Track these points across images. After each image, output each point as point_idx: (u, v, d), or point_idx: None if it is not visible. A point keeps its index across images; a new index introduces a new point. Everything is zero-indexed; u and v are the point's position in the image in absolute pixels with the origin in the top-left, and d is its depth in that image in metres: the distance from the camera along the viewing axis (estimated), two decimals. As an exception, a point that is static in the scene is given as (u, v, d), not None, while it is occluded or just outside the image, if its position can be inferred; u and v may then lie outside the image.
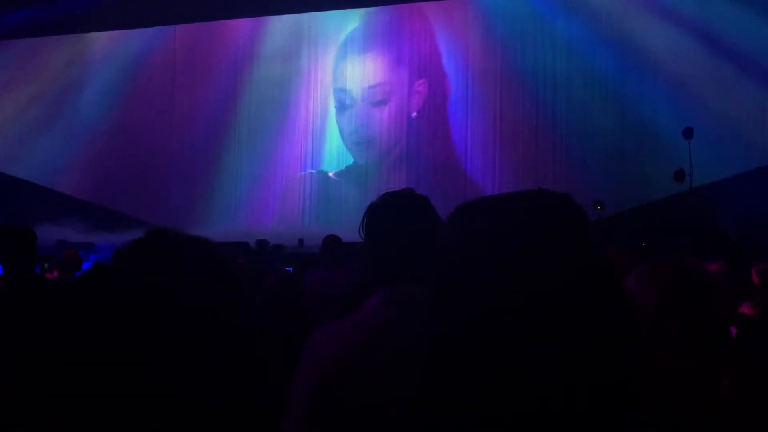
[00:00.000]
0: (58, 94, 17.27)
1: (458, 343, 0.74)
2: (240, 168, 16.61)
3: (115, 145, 16.89)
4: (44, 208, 15.45)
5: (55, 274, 6.66)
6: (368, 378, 1.43)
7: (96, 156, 16.84)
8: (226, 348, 0.87)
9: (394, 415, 1.32)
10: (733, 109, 12.54)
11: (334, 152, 16.21)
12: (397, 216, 1.63)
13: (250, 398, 0.90)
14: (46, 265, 7.18)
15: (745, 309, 4.52)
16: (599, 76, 13.94)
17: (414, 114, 15.52)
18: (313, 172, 16.21)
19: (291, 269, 5.38)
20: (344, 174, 15.84)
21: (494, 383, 0.72)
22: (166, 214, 15.73)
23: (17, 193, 16.12)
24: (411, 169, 15.33)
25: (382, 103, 15.57)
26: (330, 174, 16.08)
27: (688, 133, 11.11)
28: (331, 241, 5.59)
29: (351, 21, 16.16)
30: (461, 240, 0.78)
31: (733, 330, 4.06)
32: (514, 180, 14.67)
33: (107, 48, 17.39)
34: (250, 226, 14.92)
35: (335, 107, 16.13)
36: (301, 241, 12.68)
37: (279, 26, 16.64)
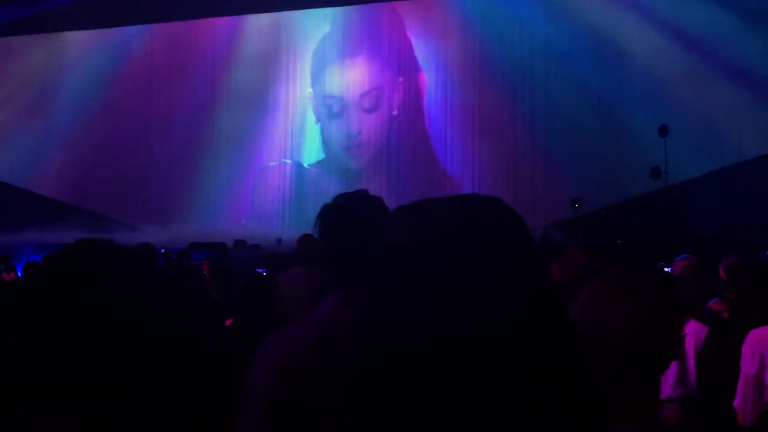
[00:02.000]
0: (35, 94, 17.11)
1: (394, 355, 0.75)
2: (219, 167, 16.52)
3: (93, 145, 16.74)
4: (22, 210, 15.32)
5: (12, 275, 6.61)
6: (320, 378, 1.43)
7: (74, 157, 16.69)
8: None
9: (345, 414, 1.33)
10: (708, 107, 12.66)
11: (314, 149, 16.19)
12: (349, 218, 1.62)
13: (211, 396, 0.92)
14: (2, 266, 7.10)
15: (713, 305, 4.59)
16: (576, 74, 14.01)
17: (395, 112, 15.54)
18: (290, 162, 16.13)
19: (264, 271, 5.38)
20: (324, 166, 15.78)
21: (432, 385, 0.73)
22: (146, 215, 15.64)
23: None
24: (391, 165, 15.36)
25: (375, 108, 15.56)
26: (307, 166, 16.02)
27: (663, 130, 11.24)
28: (307, 239, 5.55)
29: (325, 22, 16.10)
30: (398, 252, 0.78)
31: (701, 328, 4.11)
32: (493, 178, 14.73)
33: (84, 47, 17.23)
34: (230, 225, 14.88)
35: (322, 114, 16.03)
36: (279, 240, 12.66)
37: (257, 24, 16.57)
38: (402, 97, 15.57)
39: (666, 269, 7.39)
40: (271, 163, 16.22)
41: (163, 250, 9.48)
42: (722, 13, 12.96)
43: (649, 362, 1.41)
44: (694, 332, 4.23)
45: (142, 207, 16.07)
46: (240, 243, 10.93)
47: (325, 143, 15.98)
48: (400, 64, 15.65)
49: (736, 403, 2.92)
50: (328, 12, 16.02)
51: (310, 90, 16.23)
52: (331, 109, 15.87)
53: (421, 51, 15.62)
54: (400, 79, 15.59)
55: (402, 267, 0.78)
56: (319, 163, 15.98)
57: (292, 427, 1.43)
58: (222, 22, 16.76)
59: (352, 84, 15.77)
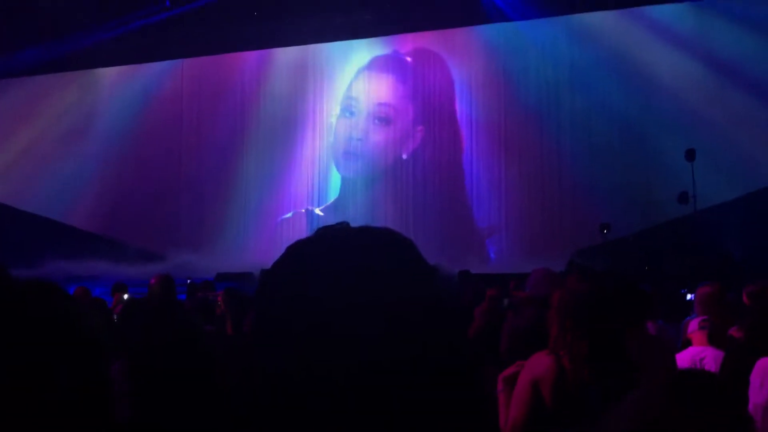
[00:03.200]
0: (68, 130, 17.47)
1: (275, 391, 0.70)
2: (248, 200, 16.68)
3: (124, 178, 17.03)
4: (56, 242, 15.59)
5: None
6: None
7: (106, 190, 16.99)
8: None
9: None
10: (737, 130, 12.49)
11: (336, 186, 16.32)
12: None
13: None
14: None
15: (734, 332, 4.48)
16: (602, 99, 13.94)
17: (405, 156, 15.56)
18: (318, 208, 16.25)
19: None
20: (340, 208, 15.80)
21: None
22: (175, 246, 15.80)
23: (29, 229, 16.27)
24: (406, 205, 15.40)
25: (385, 122, 15.66)
26: (321, 211, 16.12)
27: (690, 154, 11.10)
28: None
29: (364, 50, 16.20)
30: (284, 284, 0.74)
31: (720, 354, 4.02)
32: (519, 207, 14.66)
33: (115, 83, 17.62)
34: (258, 257, 14.95)
35: (340, 112, 16.18)
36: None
37: (285, 58, 16.79)
38: (417, 146, 15.56)
39: (689, 295, 7.27)
40: (287, 215, 16.35)
41: (189, 281, 9.56)
42: (749, 34, 12.83)
43: None
44: (713, 359, 4.15)
45: (171, 237, 16.24)
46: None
47: (334, 143, 16.09)
48: (426, 111, 15.62)
49: (744, 433, 2.84)
50: (355, 44, 16.16)
51: (338, 106, 16.37)
52: (349, 109, 16.00)
53: (454, 91, 15.63)
54: (420, 127, 15.59)
55: (275, 312, 0.73)
56: (328, 206, 16.07)
57: None
58: (251, 56, 17.01)
59: (374, 91, 15.86)
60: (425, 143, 15.55)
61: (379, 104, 15.75)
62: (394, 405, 0.67)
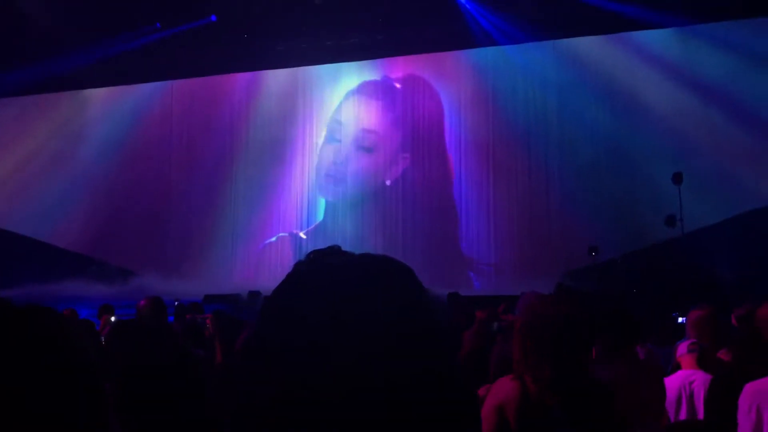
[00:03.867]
0: (57, 150, 17.41)
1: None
2: (237, 221, 16.65)
3: (113, 199, 16.96)
4: (43, 263, 15.48)
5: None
6: None
7: (94, 210, 16.91)
8: None
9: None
10: (724, 154, 12.61)
11: (321, 209, 16.34)
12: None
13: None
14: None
15: (722, 354, 4.48)
16: (590, 124, 14.04)
17: (388, 182, 15.59)
18: (302, 231, 16.23)
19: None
20: (327, 232, 15.79)
21: None
22: (164, 267, 15.73)
23: (16, 250, 16.17)
24: (392, 228, 15.42)
25: (367, 149, 15.68)
26: (303, 233, 16.11)
27: (677, 178, 11.19)
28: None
29: (354, 73, 16.27)
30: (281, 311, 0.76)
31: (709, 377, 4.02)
32: (508, 229, 14.69)
33: (105, 104, 17.61)
34: (245, 278, 14.91)
35: (326, 135, 16.21)
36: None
37: (274, 80, 16.85)
38: (404, 170, 15.60)
39: (680, 318, 7.29)
40: (271, 239, 16.34)
41: (176, 302, 9.51)
42: (733, 59, 12.99)
43: None
44: (702, 383, 4.14)
45: (160, 259, 16.17)
46: (254, 294, 10.96)
47: (318, 166, 16.10)
48: (414, 137, 15.66)
49: (734, 459, 2.83)
50: (344, 67, 16.23)
51: (326, 127, 16.41)
52: (333, 134, 16.03)
53: (442, 114, 15.71)
54: (406, 154, 15.63)
55: (270, 331, 0.76)
56: (310, 230, 16.07)
57: None
58: (241, 77, 17.06)
59: (358, 117, 15.91)
60: (414, 167, 15.58)
61: (364, 131, 15.76)
62: (390, 422, 0.70)
